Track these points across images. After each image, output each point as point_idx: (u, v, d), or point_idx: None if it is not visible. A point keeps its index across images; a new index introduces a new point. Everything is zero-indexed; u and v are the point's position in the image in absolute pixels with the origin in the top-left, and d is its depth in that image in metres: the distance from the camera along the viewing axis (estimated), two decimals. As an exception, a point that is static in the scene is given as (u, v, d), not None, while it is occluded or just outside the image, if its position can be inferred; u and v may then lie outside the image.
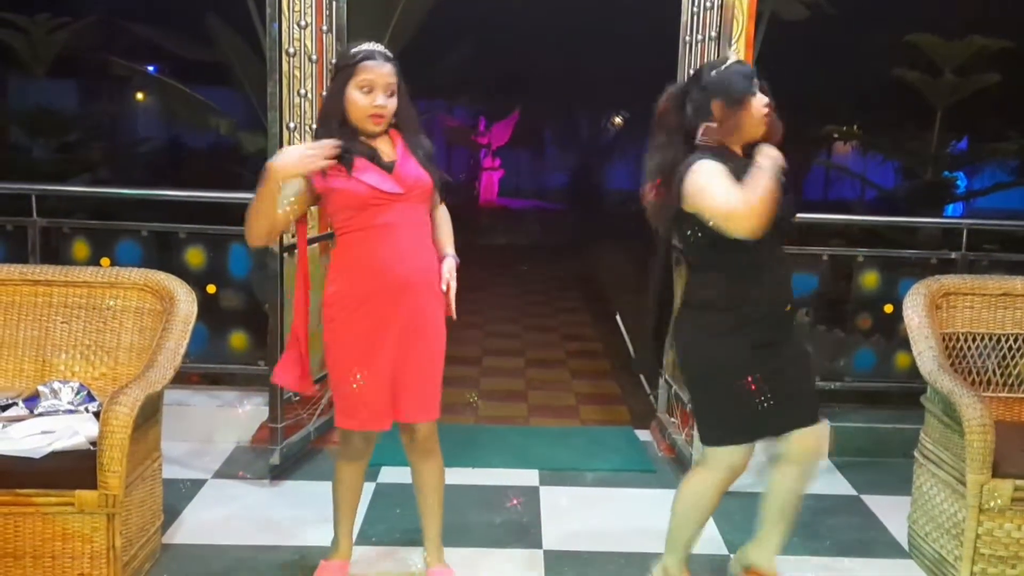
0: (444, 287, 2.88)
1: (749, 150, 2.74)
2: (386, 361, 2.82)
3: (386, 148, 2.83)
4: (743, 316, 2.73)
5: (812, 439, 2.87)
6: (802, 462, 2.90)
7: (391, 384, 2.84)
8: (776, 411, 2.77)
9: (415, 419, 2.91)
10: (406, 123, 2.87)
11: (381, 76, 2.73)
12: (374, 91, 2.73)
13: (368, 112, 2.74)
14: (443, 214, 3.04)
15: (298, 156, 2.65)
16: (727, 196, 2.56)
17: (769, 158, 2.64)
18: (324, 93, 2.80)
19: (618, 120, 20.27)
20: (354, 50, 2.77)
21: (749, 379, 2.74)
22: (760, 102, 2.72)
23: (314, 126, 4.03)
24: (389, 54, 2.79)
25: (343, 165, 2.72)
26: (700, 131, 2.73)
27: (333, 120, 2.78)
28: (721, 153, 2.70)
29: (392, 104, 2.77)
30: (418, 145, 2.85)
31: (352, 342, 2.82)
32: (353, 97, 2.74)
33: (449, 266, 2.92)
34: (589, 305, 8.73)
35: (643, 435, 4.64)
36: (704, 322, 2.77)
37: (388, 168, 2.78)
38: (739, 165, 2.67)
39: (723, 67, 2.76)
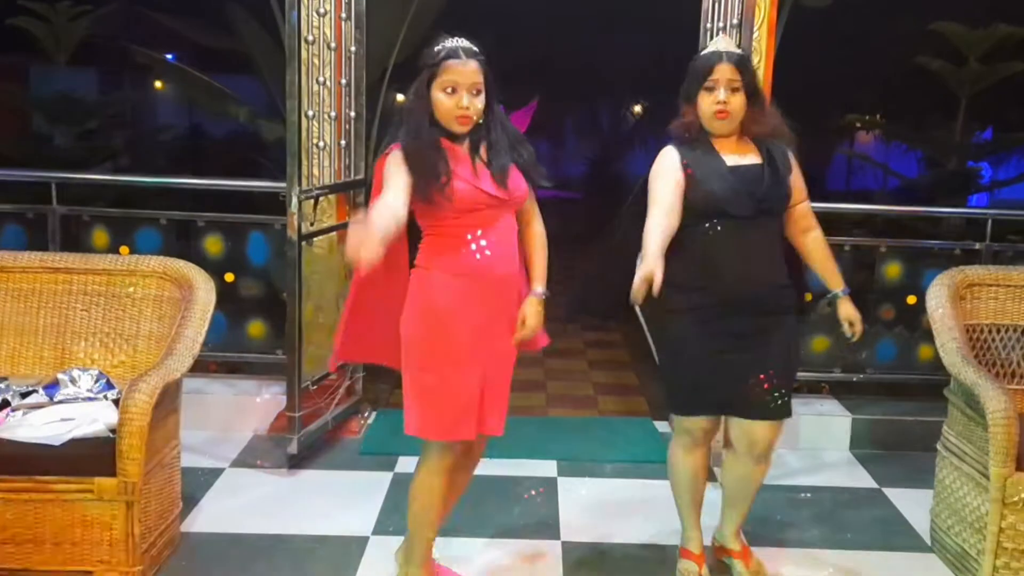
0: (520, 329, 2.78)
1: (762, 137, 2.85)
2: (480, 362, 2.73)
3: (465, 151, 2.70)
4: (693, 300, 2.78)
5: (758, 433, 2.92)
6: (745, 452, 2.98)
7: (487, 389, 2.76)
8: (723, 394, 2.87)
9: (492, 431, 2.82)
10: (492, 122, 2.71)
11: (465, 75, 2.59)
12: (458, 91, 2.59)
13: (454, 114, 2.61)
14: (538, 234, 2.89)
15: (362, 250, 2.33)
16: (654, 203, 2.74)
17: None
18: (409, 94, 2.66)
19: (637, 109, 20.17)
20: (437, 47, 2.63)
21: (694, 355, 2.83)
22: (710, 101, 2.75)
23: (332, 114, 4.03)
24: (474, 49, 2.65)
25: (436, 177, 2.58)
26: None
27: (421, 121, 2.63)
28: (693, 139, 2.82)
29: (479, 103, 2.63)
30: (507, 146, 2.71)
31: (458, 339, 2.69)
32: (438, 99, 2.61)
33: (532, 308, 2.81)
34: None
35: (661, 426, 4.62)
36: (663, 295, 2.60)
37: (492, 171, 2.68)
38: (706, 154, 2.80)
39: (700, 53, 2.86)
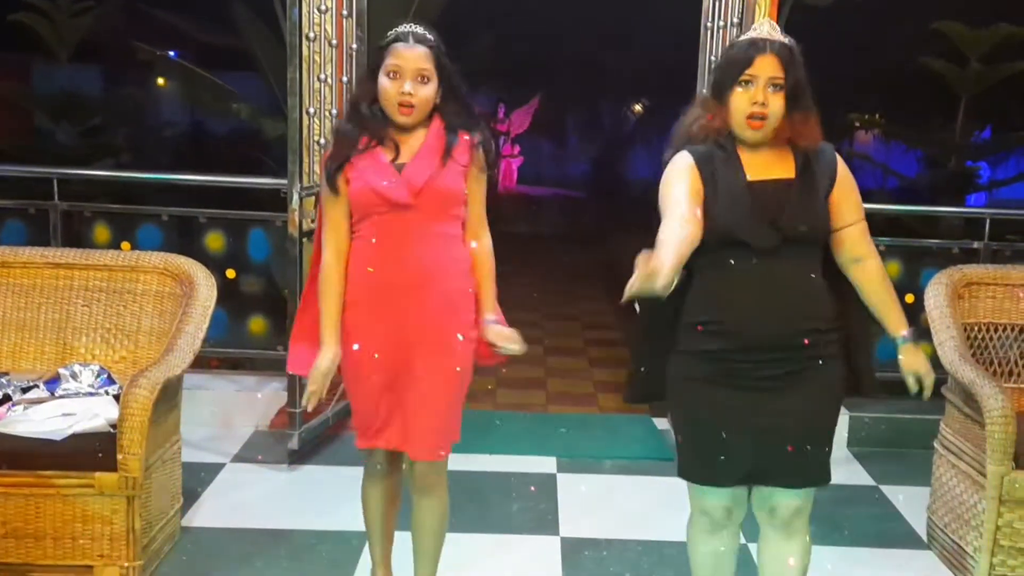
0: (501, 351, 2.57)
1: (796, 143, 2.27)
2: (384, 374, 2.52)
3: (414, 144, 2.51)
4: (707, 343, 2.28)
5: (779, 496, 2.39)
6: (766, 521, 2.46)
7: (397, 403, 2.55)
8: (743, 459, 2.31)
9: (412, 454, 2.58)
10: (449, 114, 2.52)
11: (409, 60, 2.42)
12: (401, 76, 2.43)
13: (394, 100, 2.43)
14: (482, 251, 2.61)
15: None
16: (667, 212, 2.21)
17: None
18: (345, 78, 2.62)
19: (638, 108, 20.16)
20: (390, 32, 2.50)
21: (708, 410, 2.31)
22: (745, 101, 2.21)
23: (333, 111, 4.04)
24: (426, 35, 2.48)
25: (339, 168, 2.47)
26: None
27: (361, 105, 2.51)
28: (713, 143, 2.29)
29: (424, 92, 2.44)
30: (454, 143, 2.49)
31: (361, 347, 2.54)
32: (381, 84, 2.45)
33: (493, 335, 2.57)
34: (609, 294, 8.70)
35: (661, 423, 4.62)
36: (674, 334, 2.35)
37: (398, 168, 2.47)
38: (724, 165, 2.26)
39: (737, 40, 2.31)
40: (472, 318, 2.58)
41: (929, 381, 2.36)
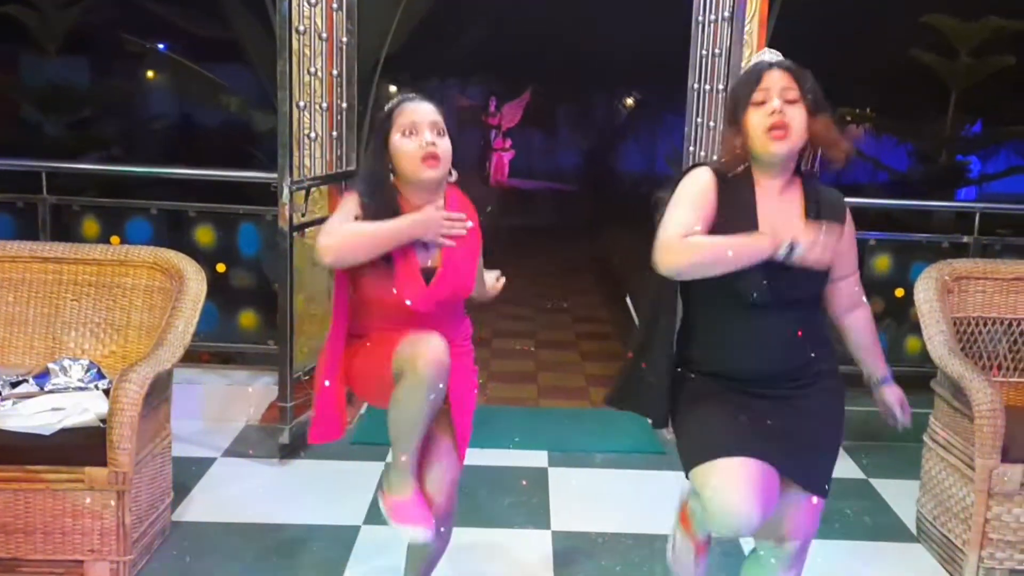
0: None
1: (813, 161, 2.26)
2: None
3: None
4: (705, 375, 2.30)
5: (788, 516, 2.28)
6: (770, 550, 2.34)
7: None
8: (753, 438, 2.21)
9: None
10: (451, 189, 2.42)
11: (424, 113, 2.33)
12: (419, 130, 2.31)
13: (419, 155, 2.30)
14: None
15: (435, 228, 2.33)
16: (670, 224, 2.17)
17: (769, 244, 2.09)
18: (366, 155, 2.41)
19: (630, 102, 20.16)
20: (387, 105, 2.41)
21: (708, 402, 2.28)
22: (761, 115, 2.16)
23: (324, 105, 4.03)
24: (426, 99, 2.41)
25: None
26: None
27: (374, 179, 2.37)
28: (729, 166, 2.25)
29: (445, 144, 2.34)
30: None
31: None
32: (397, 145, 2.32)
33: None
34: (600, 287, 8.71)
35: (652, 417, 4.63)
36: (675, 363, 2.37)
37: (427, 275, 2.35)
38: (740, 205, 2.21)
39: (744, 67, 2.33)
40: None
41: (908, 414, 2.41)
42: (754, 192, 2.23)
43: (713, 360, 2.28)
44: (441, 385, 2.25)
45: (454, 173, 2.41)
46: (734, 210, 2.19)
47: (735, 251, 2.10)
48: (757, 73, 2.19)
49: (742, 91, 2.20)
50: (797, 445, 2.24)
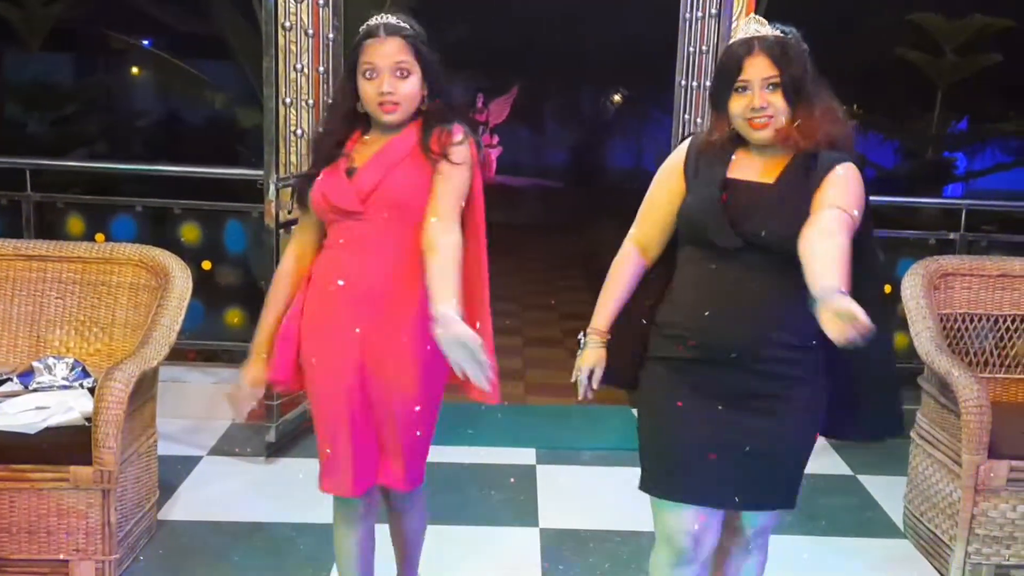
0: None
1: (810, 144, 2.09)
2: (346, 405, 2.32)
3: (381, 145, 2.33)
4: (671, 348, 2.18)
5: (747, 527, 2.29)
6: (726, 539, 2.31)
7: (364, 437, 2.35)
8: (706, 472, 2.15)
9: (384, 481, 2.42)
10: (430, 111, 2.33)
11: (384, 55, 2.24)
12: (379, 73, 2.24)
13: (375, 101, 2.26)
14: (440, 246, 2.16)
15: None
16: (635, 222, 2.29)
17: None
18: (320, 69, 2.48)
19: (617, 98, 20.17)
20: (362, 27, 2.32)
21: (669, 416, 2.19)
22: (742, 106, 2.09)
23: (310, 101, 4.01)
24: (400, 24, 2.28)
25: (308, 180, 2.35)
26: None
27: (339, 110, 2.36)
28: (708, 141, 2.20)
29: (406, 87, 2.25)
30: (426, 141, 2.27)
31: (313, 379, 2.37)
32: (360, 85, 2.28)
33: (444, 342, 1.96)
34: (589, 284, 8.70)
35: (640, 414, 4.64)
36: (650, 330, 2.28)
37: (350, 172, 2.30)
38: (713, 162, 2.16)
39: (729, 43, 2.20)
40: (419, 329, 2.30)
41: (858, 323, 1.69)
42: (731, 157, 2.17)
43: (688, 318, 2.14)
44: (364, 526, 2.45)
45: (426, 104, 2.32)
46: (702, 177, 2.17)
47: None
48: (737, 60, 2.09)
49: (724, 78, 2.13)
50: (761, 467, 2.14)
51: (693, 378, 2.15)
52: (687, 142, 2.26)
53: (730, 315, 2.09)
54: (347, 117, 2.34)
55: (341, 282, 2.29)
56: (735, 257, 2.08)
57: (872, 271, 2.19)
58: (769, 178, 2.13)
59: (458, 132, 2.30)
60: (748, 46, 2.09)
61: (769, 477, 2.17)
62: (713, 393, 2.14)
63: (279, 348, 2.41)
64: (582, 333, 2.35)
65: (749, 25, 2.16)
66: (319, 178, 2.33)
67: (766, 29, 2.13)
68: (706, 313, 2.11)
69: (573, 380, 2.32)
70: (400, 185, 2.27)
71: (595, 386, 2.32)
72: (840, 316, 1.68)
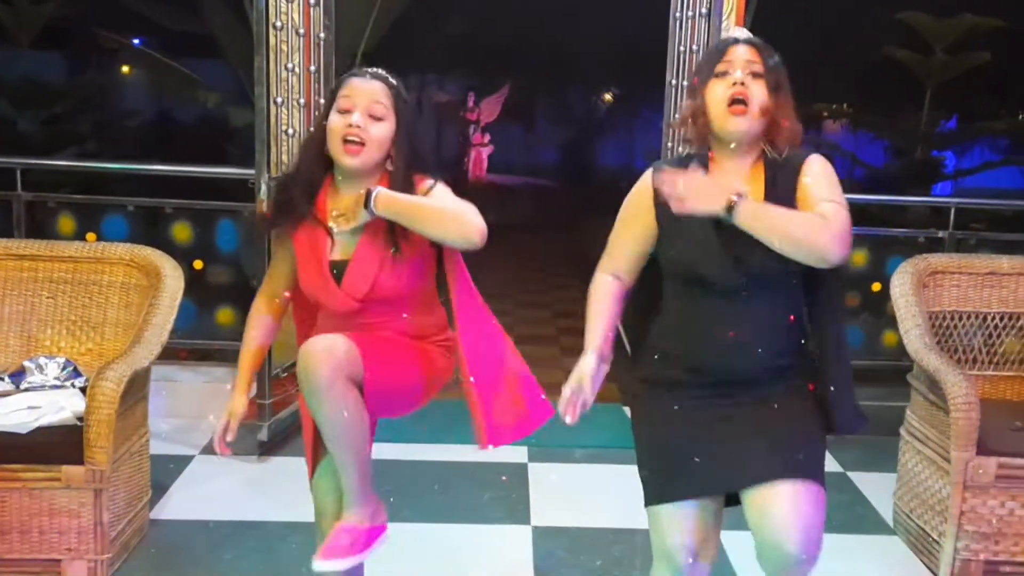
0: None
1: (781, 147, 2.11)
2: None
3: (353, 223, 2.19)
4: (669, 374, 2.19)
5: (777, 508, 2.04)
6: (771, 552, 2.06)
7: None
8: (711, 465, 2.12)
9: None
10: (400, 168, 2.22)
11: (364, 94, 2.18)
12: (352, 110, 2.17)
13: (340, 134, 2.15)
14: (436, 192, 2.24)
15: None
16: (606, 252, 2.27)
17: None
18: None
19: (608, 97, 20.20)
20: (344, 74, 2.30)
21: (670, 425, 2.18)
22: (723, 87, 2.06)
23: (301, 101, 4.01)
24: (388, 76, 2.24)
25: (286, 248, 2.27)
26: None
27: (312, 148, 2.26)
28: (684, 162, 2.16)
29: (377, 131, 2.17)
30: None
31: None
32: (330, 120, 2.19)
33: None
34: (582, 282, 8.70)
35: (631, 412, 4.65)
36: (637, 359, 2.30)
37: (339, 269, 2.20)
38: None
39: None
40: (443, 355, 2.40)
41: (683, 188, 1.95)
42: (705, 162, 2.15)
43: (684, 347, 2.15)
44: (343, 393, 2.10)
45: (391, 163, 2.24)
46: (689, 221, 2.04)
47: (588, 324, 2.26)
48: (723, 46, 2.12)
49: (706, 63, 2.13)
50: (765, 438, 2.09)
51: (687, 391, 2.16)
52: (649, 175, 2.18)
53: (724, 344, 2.09)
54: (317, 158, 2.25)
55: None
56: (736, 291, 2.07)
57: (832, 282, 2.18)
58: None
59: (421, 183, 2.23)
60: (733, 39, 2.13)
61: (779, 448, 2.09)
62: (704, 400, 2.14)
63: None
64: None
65: (732, 31, 2.22)
66: (300, 262, 2.26)
67: (748, 35, 2.17)
68: (700, 343, 2.12)
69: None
70: (394, 285, 2.23)
71: (576, 410, 2.18)
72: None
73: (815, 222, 1.97)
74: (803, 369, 2.17)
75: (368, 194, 2.13)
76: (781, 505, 2.04)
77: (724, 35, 2.24)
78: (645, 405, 2.27)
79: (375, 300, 2.23)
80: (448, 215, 2.17)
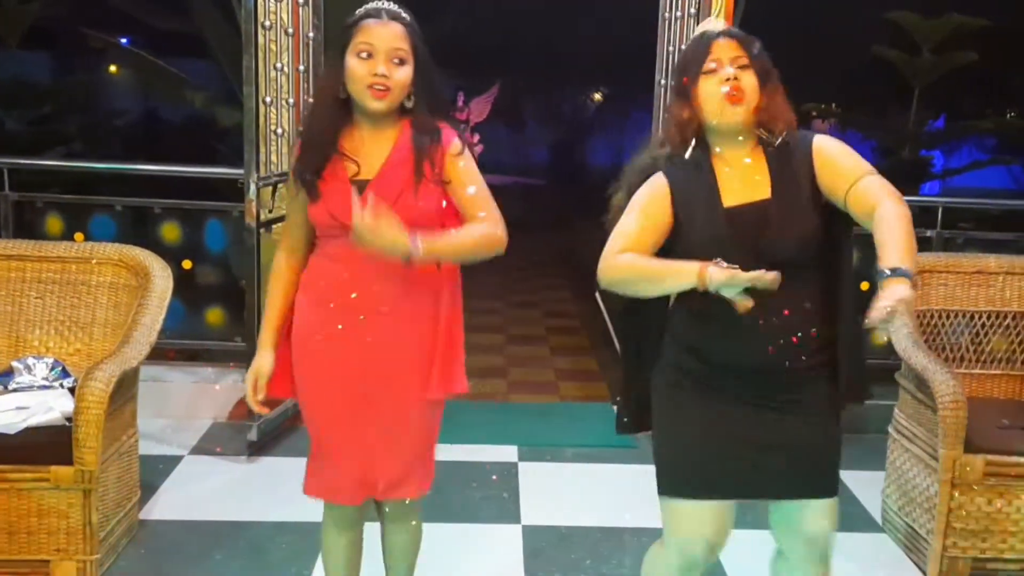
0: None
1: (766, 129, 2.12)
2: (347, 413, 2.28)
3: (378, 149, 2.21)
4: (690, 362, 2.18)
5: (811, 520, 2.21)
6: (803, 556, 2.26)
7: (360, 446, 2.30)
8: (735, 467, 2.16)
9: (386, 495, 2.38)
10: (422, 107, 2.22)
11: (384, 38, 2.13)
12: (374, 56, 2.13)
13: (365, 82, 2.13)
14: (463, 171, 2.24)
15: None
16: (614, 234, 2.13)
17: (696, 277, 1.97)
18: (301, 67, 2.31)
19: (597, 96, 20.22)
20: (358, 9, 2.20)
21: (689, 416, 2.18)
22: (714, 83, 2.06)
23: (291, 100, 4.00)
24: (401, 12, 2.19)
25: (308, 188, 2.20)
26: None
27: (327, 97, 2.21)
28: (687, 159, 2.15)
29: (401, 75, 2.15)
30: (426, 147, 2.18)
31: (308, 385, 2.32)
32: (350, 65, 2.14)
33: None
34: (571, 282, 8.73)
35: (621, 411, 4.65)
36: (662, 345, 2.25)
37: (360, 187, 2.15)
38: (701, 187, 2.12)
39: (686, 44, 2.19)
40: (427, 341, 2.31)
41: (885, 312, 1.90)
42: (715, 175, 2.12)
43: (704, 350, 2.14)
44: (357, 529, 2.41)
45: (412, 100, 2.21)
46: (697, 207, 2.10)
47: (662, 275, 2.07)
48: (706, 42, 2.09)
49: (692, 61, 2.10)
50: (794, 456, 2.15)
51: (711, 382, 2.15)
52: (661, 177, 2.15)
53: (756, 339, 2.07)
54: (335, 104, 2.21)
55: (341, 300, 2.22)
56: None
57: (848, 258, 2.28)
58: (763, 191, 2.11)
59: (449, 140, 2.23)
60: (713, 32, 2.12)
61: (805, 465, 2.18)
62: (732, 395, 2.14)
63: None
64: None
65: (708, 24, 2.21)
66: (322, 190, 2.19)
67: (724, 26, 2.18)
68: (718, 336, 2.11)
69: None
70: (413, 207, 2.17)
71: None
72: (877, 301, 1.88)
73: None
74: (823, 363, 2.15)
75: (409, 255, 2.05)
76: (813, 523, 2.21)
77: (702, 28, 2.19)
78: (667, 396, 2.24)
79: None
80: (482, 244, 2.22)
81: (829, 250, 2.15)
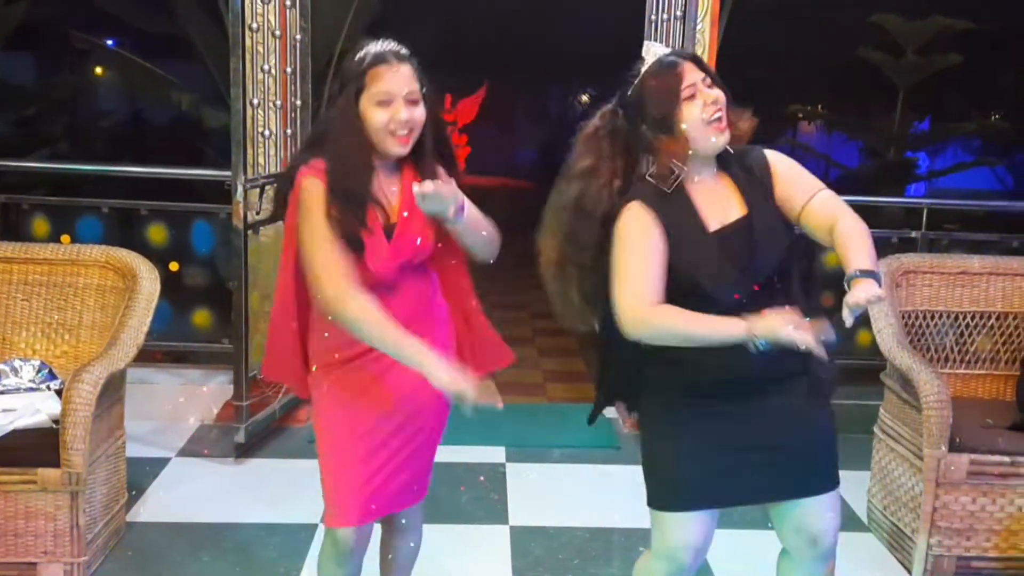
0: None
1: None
2: (384, 435, 2.39)
3: (390, 189, 2.21)
4: (677, 378, 2.17)
5: (814, 518, 2.24)
6: (808, 554, 2.28)
7: (410, 456, 2.43)
8: (727, 475, 2.15)
9: (413, 502, 2.48)
10: (430, 145, 2.23)
11: (400, 84, 2.10)
12: (394, 102, 2.11)
13: (388, 129, 2.11)
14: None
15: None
16: (632, 283, 2.07)
17: (743, 331, 1.96)
18: (332, 111, 2.15)
19: (584, 98, 20.25)
20: (360, 54, 2.14)
21: (682, 426, 2.18)
22: (699, 108, 2.04)
23: (278, 102, 4.00)
24: (404, 51, 2.17)
25: (354, 245, 2.14)
26: (647, 164, 2.19)
27: (356, 147, 2.14)
28: (665, 179, 2.10)
29: (418, 115, 2.14)
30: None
31: (349, 411, 2.37)
32: (368, 114, 2.11)
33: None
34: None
35: (608, 412, 4.66)
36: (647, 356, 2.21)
37: (387, 232, 2.17)
38: (681, 212, 2.09)
39: (636, 80, 2.13)
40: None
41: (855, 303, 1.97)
42: (692, 200, 2.11)
43: (690, 364, 2.11)
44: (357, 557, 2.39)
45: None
46: (680, 229, 2.07)
47: (707, 337, 2.02)
48: (674, 69, 2.05)
49: (666, 91, 2.05)
50: (791, 454, 2.17)
51: (698, 393, 2.15)
52: (638, 205, 2.09)
53: (730, 349, 2.02)
54: (367, 155, 2.16)
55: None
56: (732, 301, 2.06)
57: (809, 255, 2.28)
58: (737, 209, 2.11)
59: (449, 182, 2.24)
60: (673, 59, 2.08)
61: (792, 467, 2.19)
62: (719, 403, 2.14)
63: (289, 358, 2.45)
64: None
65: (651, 49, 2.15)
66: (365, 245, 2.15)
67: (668, 49, 2.16)
68: (706, 349, 2.05)
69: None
70: (430, 246, 2.27)
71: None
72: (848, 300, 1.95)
73: None
74: (811, 369, 2.18)
75: (460, 205, 2.19)
76: (813, 521, 2.25)
77: (652, 56, 2.13)
78: (655, 410, 2.26)
79: (414, 262, 2.27)
80: (491, 230, 2.38)
81: (803, 255, 2.20)
